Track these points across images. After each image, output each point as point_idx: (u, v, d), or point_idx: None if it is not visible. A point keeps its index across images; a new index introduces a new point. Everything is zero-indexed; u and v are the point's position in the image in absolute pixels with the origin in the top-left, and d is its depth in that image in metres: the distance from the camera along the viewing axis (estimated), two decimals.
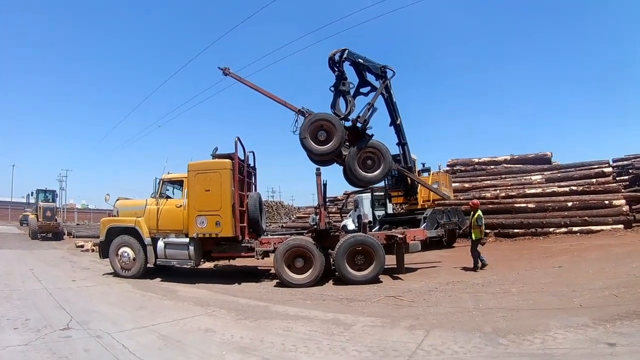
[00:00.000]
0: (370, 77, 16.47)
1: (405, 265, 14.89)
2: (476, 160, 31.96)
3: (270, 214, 49.23)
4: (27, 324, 7.88)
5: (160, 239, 14.07)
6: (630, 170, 28.63)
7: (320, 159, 15.36)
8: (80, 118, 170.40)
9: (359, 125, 15.22)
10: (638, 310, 7.47)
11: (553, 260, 14.33)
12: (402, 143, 18.42)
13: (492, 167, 30.84)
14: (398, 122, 17.80)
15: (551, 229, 23.37)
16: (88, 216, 73.55)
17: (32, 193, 38.30)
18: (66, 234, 36.98)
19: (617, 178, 28.43)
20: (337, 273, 13.19)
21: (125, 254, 14.18)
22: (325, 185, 15.56)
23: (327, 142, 14.49)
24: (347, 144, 15.19)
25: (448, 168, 31.74)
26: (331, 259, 13.26)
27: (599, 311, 7.70)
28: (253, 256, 13.97)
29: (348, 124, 15.35)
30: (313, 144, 14.36)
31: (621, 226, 22.40)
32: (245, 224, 14.04)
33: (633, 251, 15.16)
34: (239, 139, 14.59)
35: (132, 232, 14.43)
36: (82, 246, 24.93)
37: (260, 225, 14.92)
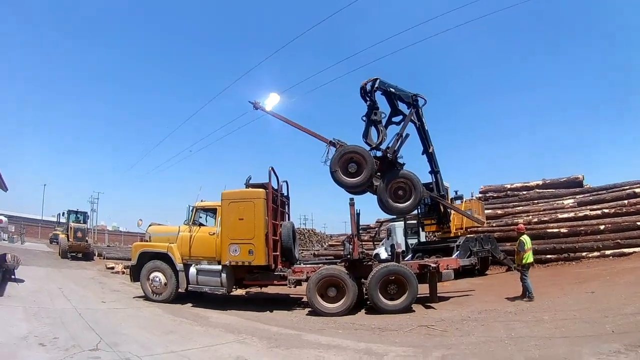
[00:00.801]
0: (402, 106, 16.59)
1: (438, 294, 14.95)
2: (508, 186, 31.74)
3: (303, 242, 49.48)
4: (56, 343, 8.01)
5: (193, 265, 14.30)
6: None
7: (352, 191, 15.46)
8: (114, 141, 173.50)
9: (389, 156, 15.28)
10: None
11: (585, 286, 14.27)
12: (434, 171, 18.48)
13: (525, 192, 30.53)
14: (430, 150, 17.89)
15: (584, 254, 22.92)
16: (119, 238, 74.36)
17: (63, 213, 38.55)
18: (96, 254, 37.24)
19: None
20: (369, 302, 13.20)
21: (157, 279, 14.41)
22: (358, 214, 15.65)
23: (358, 174, 14.59)
24: (379, 174, 15.29)
25: (480, 195, 31.60)
26: (364, 289, 13.23)
27: (630, 337, 7.67)
28: (285, 284, 14.10)
29: (380, 154, 15.49)
30: (344, 176, 14.57)
31: None
32: (278, 253, 14.25)
33: None
34: (272, 168, 14.88)
35: (164, 257, 14.66)
36: (112, 268, 25.14)
37: (293, 254, 14.95)
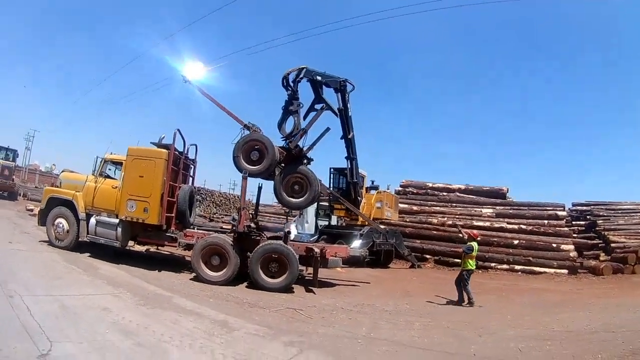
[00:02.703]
0: (328, 95, 17.60)
1: (330, 280, 16.21)
2: (430, 184, 33.10)
3: (227, 207, 49.93)
4: None
5: (94, 216, 15.19)
6: (588, 217, 30.70)
7: (254, 177, 16.17)
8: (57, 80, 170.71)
9: (292, 149, 16.15)
10: None
11: (480, 298, 14.60)
12: (351, 157, 20.02)
13: (445, 194, 31.85)
14: (350, 136, 19.22)
15: (492, 264, 24.46)
16: (50, 180, 73.83)
17: None
18: (21, 195, 38.08)
19: (574, 222, 30.50)
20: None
21: (61, 225, 15.39)
22: (260, 188, 16.94)
23: (259, 163, 15.18)
24: (283, 165, 16.20)
25: (400, 189, 33.04)
26: (248, 262, 14.04)
27: None
28: (175, 246, 15.34)
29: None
30: (244, 163, 15.12)
31: (565, 271, 23.51)
32: (173, 215, 15.21)
33: (566, 300, 15.73)
34: (179, 130, 15.69)
35: (70, 205, 15.51)
36: (31, 210, 25.74)
37: (187, 217, 15.90)
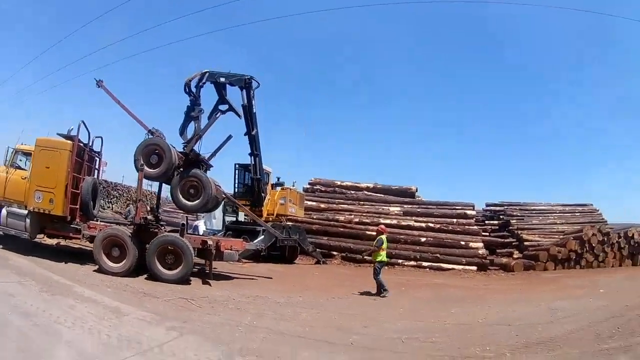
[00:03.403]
0: (232, 95, 18.87)
1: (230, 274, 17.37)
2: (338, 182, 33.67)
3: (144, 203, 49.22)
4: None
5: (5, 207, 15.94)
6: (501, 216, 32.45)
7: (153, 180, 17.39)
8: None
9: (189, 154, 17.18)
10: None
11: (374, 295, 15.27)
12: (254, 154, 21.64)
13: (353, 192, 32.91)
14: (253, 132, 20.78)
15: (400, 261, 25.47)
16: None
17: None
18: None
19: (487, 222, 32.25)
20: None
21: None
22: (161, 183, 17.72)
23: (157, 166, 16.04)
24: (182, 169, 16.99)
25: (308, 186, 33.92)
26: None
27: (363, 353, 8.41)
28: (80, 238, 16.12)
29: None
30: (145, 167, 15.87)
31: (474, 268, 24.67)
32: (77, 206, 15.94)
33: (467, 296, 16.33)
34: (83, 122, 16.41)
35: None
36: None
37: (90, 209, 16.58)
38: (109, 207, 36.15)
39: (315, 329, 9.94)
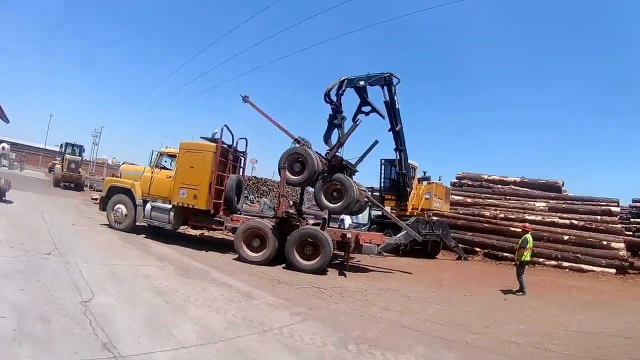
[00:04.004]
0: (372, 96, 18.87)
1: (367, 267, 17.43)
2: (485, 176, 33.07)
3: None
4: (22, 247, 11.37)
5: (150, 202, 17.26)
6: None
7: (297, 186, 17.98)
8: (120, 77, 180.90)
9: (331, 160, 17.46)
10: None
11: (511, 293, 15.07)
12: (399, 149, 21.38)
13: (500, 186, 32.04)
14: (397, 128, 20.50)
15: (540, 260, 24.20)
16: (117, 172, 77.70)
17: (61, 145, 42.42)
18: (88, 186, 41.27)
19: (632, 220, 29.54)
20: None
21: (120, 210, 17.66)
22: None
23: (301, 173, 16.65)
24: (326, 174, 17.32)
25: (456, 180, 33.43)
26: None
27: (475, 353, 8.09)
28: (222, 229, 17.18)
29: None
30: (288, 173, 16.57)
31: (613, 270, 22.96)
32: (221, 201, 16.98)
33: (597, 300, 15.46)
34: (226, 126, 17.41)
35: (128, 192, 17.72)
36: (96, 199, 27.13)
37: (233, 204, 17.54)
38: (258, 201, 37.15)
39: (437, 325, 9.79)
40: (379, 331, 8.73)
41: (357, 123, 18.29)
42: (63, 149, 40.94)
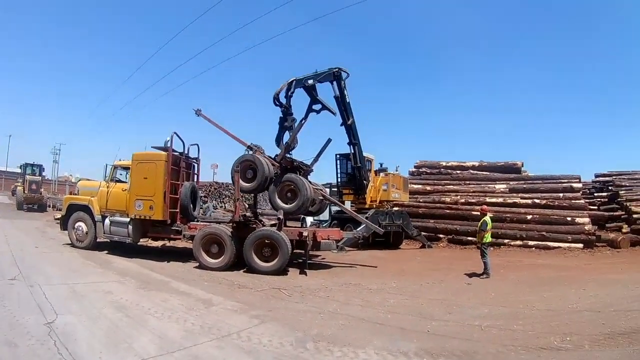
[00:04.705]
0: (323, 93, 19.28)
1: (329, 263, 17.94)
2: (444, 163, 33.65)
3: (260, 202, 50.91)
4: None
5: (108, 217, 17.51)
6: (610, 187, 30.11)
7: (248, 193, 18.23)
8: (79, 92, 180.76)
9: (281, 162, 17.75)
10: (473, 349, 7.67)
11: (475, 276, 15.50)
12: (352, 143, 21.95)
13: (459, 172, 32.53)
14: (349, 122, 21.06)
15: (506, 241, 24.97)
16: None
17: (21, 166, 42.87)
18: (50, 206, 41.26)
19: (596, 194, 30.38)
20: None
21: (80, 228, 17.99)
22: None
23: (253, 180, 16.89)
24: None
25: (414, 169, 33.82)
26: None
27: (436, 341, 8.13)
28: (180, 239, 17.39)
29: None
30: (241, 181, 16.78)
31: (580, 245, 23.78)
32: (177, 210, 17.27)
33: (564, 277, 15.67)
34: (175, 133, 17.76)
35: (87, 209, 17.96)
36: (58, 219, 28.00)
37: (189, 211, 17.78)
38: (221, 206, 37.24)
39: (398, 316, 9.98)
40: (338, 327, 8.94)
41: (302, 123, 18.65)
42: (23, 170, 41.48)
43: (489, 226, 15.93)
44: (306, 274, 15.56)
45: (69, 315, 8.86)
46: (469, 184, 30.71)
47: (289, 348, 7.59)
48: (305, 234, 16.01)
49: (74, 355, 6.74)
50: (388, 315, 9.99)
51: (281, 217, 16.21)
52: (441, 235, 27.33)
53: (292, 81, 18.39)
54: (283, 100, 18.27)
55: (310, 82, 18.88)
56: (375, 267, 18.07)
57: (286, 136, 18.20)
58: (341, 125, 21.74)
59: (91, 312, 9.28)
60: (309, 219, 24.78)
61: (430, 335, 8.53)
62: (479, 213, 17.70)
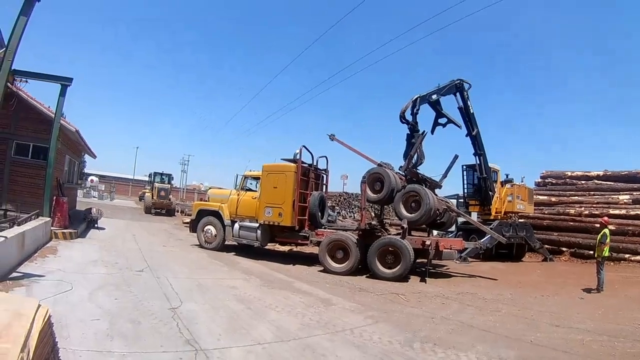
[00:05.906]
0: (447, 106, 19.42)
1: (451, 272, 17.83)
2: (569, 173, 31.38)
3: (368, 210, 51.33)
4: (115, 265, 12.96)
5: (237, 222, 18.45)
6: None
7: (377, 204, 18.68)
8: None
9: (406, 174, 18.12)
10: None
11: (588, 291, 14.86)
12: (478, 153, 21.88)
13: (583, 182, 30.50)
14: (474, 132, 21.08)
15: (626, 256, 22.98)
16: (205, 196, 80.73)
17: (150, 174, 46.42)
18: (179, 211, 43.93)
19: None
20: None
21: (209, 231, 19.11)
22: None
23: (381, 191, 17.43)
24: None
25: (540, 180, 32.55)
26: None
27: (536, 351, 8.01)
28: (307, 244, 17.94)
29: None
30: (369, 191, 17.44)
31: None
32: (305, 217, 17.75)
33: None
34: (304, 146, 18.38)
35: (216, 214, 19.11)
36: (187, 222, 28.18)
37: (317, 219, 18.16)
38: (350, 215, 37.80)
39: (505, 325, 9.87)
40: (446, 331, 8.95)
41: (424, 136, 18.65)
42: (152, 178, 44.59)
43: (608, 239, 15.12)
44: (426, 282, 15.48)
45: (193, 303, 9.41)
46: (593, 194, 28.61)
47: (397, 346, 7.73)
48: (428, 242, 15.97)
49: (194, 335, 7.21)
50: (497, 324, 9.95)
51: (405, 225, 16.23)
52: (564, 249, 25.85)
53: (417, 98, 18.50)
54: (409, 118, 18.46)
55: (434, 97, 19.08)
56: (496, 279, 17.46)
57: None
58: (466, 136, 21.73)
59: (215, 303, 9.78)
60: (435, 232, 24.59)
61: (532, 345, 8.43)
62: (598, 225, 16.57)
